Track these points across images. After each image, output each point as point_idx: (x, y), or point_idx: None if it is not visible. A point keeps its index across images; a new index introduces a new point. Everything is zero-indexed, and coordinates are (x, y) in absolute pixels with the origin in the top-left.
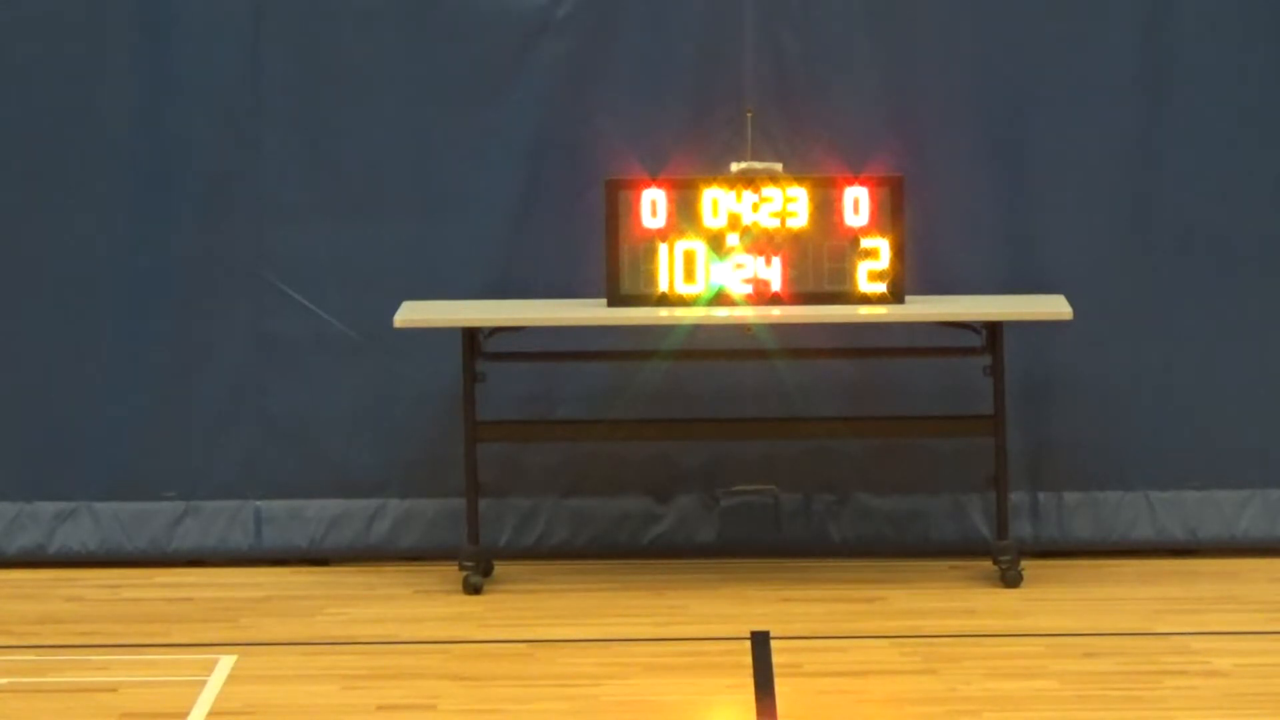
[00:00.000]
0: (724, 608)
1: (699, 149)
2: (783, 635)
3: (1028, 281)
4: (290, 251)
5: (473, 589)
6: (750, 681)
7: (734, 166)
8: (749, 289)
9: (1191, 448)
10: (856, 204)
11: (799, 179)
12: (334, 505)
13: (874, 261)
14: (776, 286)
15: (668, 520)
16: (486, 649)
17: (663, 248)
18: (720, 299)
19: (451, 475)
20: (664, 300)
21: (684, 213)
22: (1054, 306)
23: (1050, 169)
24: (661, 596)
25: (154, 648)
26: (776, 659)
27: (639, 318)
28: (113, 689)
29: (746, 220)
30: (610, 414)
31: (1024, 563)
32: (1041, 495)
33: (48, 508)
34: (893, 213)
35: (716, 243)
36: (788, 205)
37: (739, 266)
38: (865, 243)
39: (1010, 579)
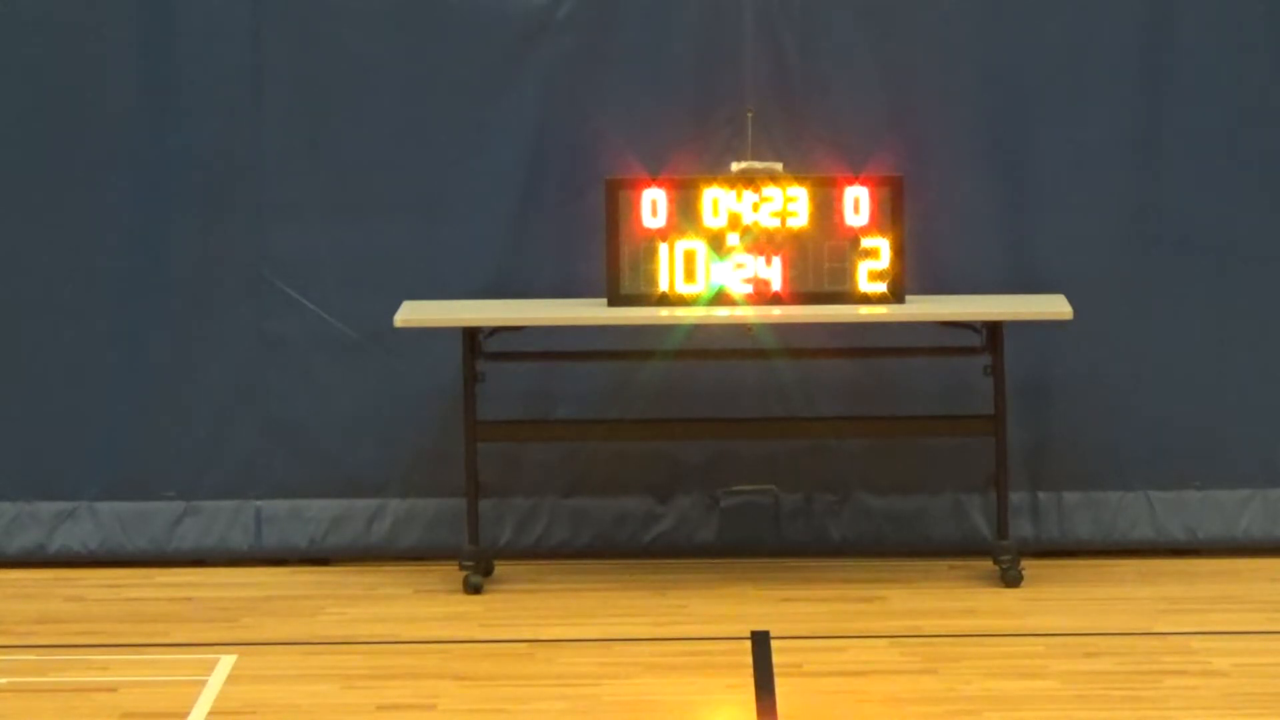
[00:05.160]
0: (724, 608)
1: (699, 149)
2: (783, 635)
3: (1028, 281)
4: (290, 251)
5: (473, 589)
6: (750, 681)
7: (734, 166)
8: (749, 289)
9: (1191, 448)
10: (856, 204)
11: (799, 179)
12: (334, 505)
13: (874, 261)
14: (777, 286)
15: (668, 520)
16: (486, 649)
17: (663, 247)
18: (720, 299)
19: (451, 475)
20: (664, 300)
21: (684, 212)
22: (1054, 306)
23: (1050, 169)
24: (661, 596)
25: (154, 648)
26: (776, 659)
27: (639, 318)
28: (113, 689)
29: (747, 220)
30: (610, 414)
31: (1024, 563)
32: (1041, 495)
33: (48, 508)
34: (893, 213)
35: (717, 242)
36: (788, 205)
37: (739, 266)
38: (865, 242)
39: (1010, 579)
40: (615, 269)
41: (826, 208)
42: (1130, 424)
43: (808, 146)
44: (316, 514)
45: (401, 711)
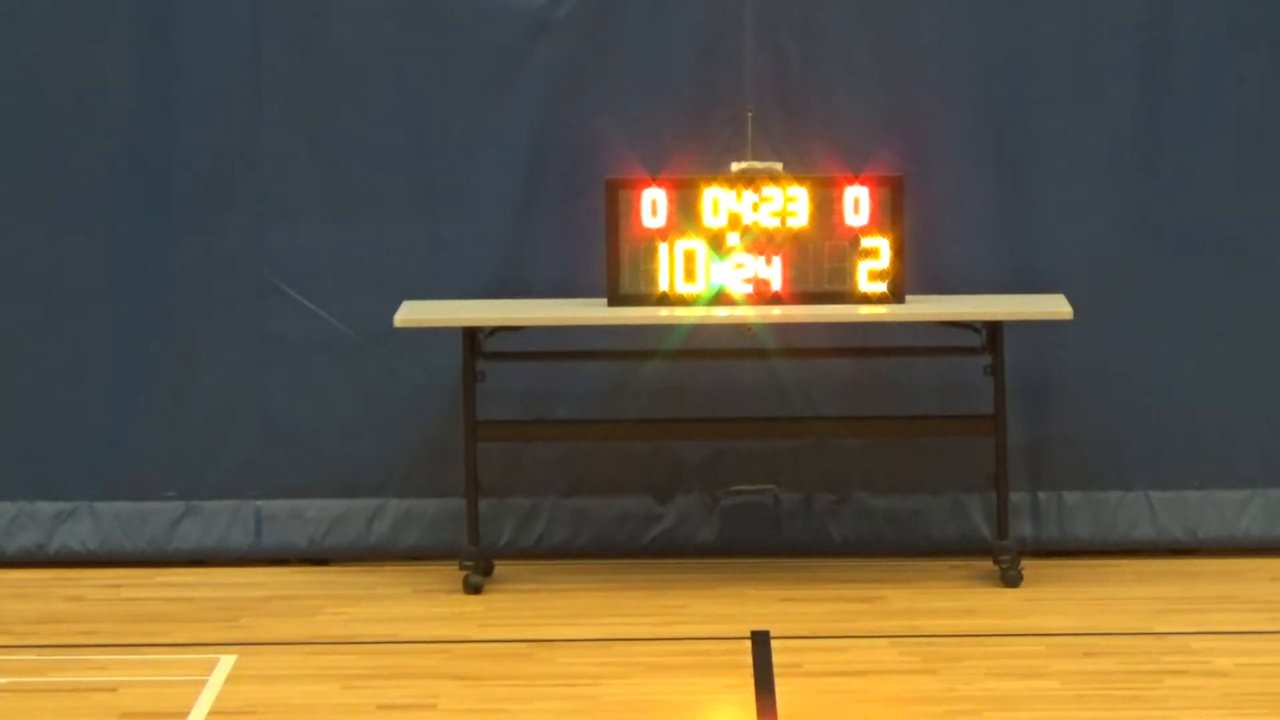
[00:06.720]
0: (724, 608)
1: (699, 149)
2: (783, 635)
3: (1028, 281)
4: (290, 251)
5: (473, 589)
6: (750, 681)
7: (734, 166)
8: (749, 289)
9: (1191, 448)
10: (856, 204)
11: (799, 179)
12: (334, 505)
13: (874, 261)
14: (777, 286)
15: (668, 520)
16: (486, 649)
17: (663, 247)
18: (720, 299)
19: (451, 475)
20: (664, 300)
21: (684, 212)
22: (1054, 306)
23: (1050, 169)
24: (661, 596)
25: (154, 648)
26: (776, 659)
27: (639, 317)
28: (113, 689)
29: (747, 220)
30: (610, 413)
31: (1024, 563)
32: (1041, 495)
33: (48, 508)
34: (893, 213)
35: (717, 242)
36: (788, 205)
37: (739, 266)
38: (865, 242)
39: (1010, 579)
40: (615, 269)
41: (826, 208)
42: (1130, 424)
43: (808, 146)
44: (316, 514)
45: (401, 711)
